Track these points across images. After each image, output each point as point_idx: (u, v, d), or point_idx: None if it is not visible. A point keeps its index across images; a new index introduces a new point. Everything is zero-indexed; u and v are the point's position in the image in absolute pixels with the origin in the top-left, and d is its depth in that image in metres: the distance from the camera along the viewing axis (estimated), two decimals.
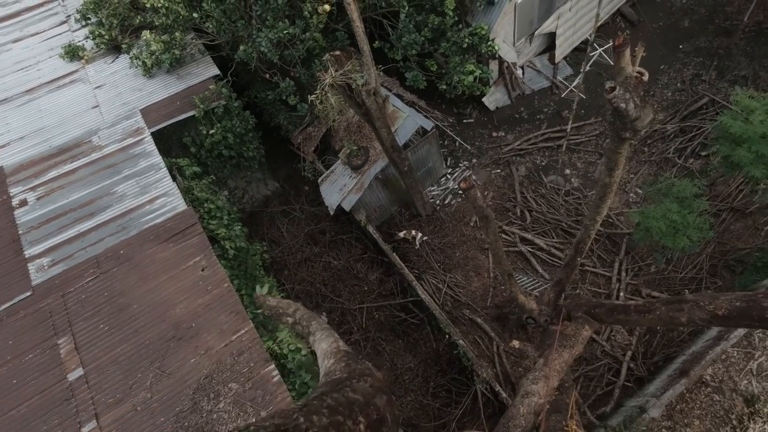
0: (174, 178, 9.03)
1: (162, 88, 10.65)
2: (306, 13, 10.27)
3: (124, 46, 11.16)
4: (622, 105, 2.90)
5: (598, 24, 9.96)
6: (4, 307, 7.50)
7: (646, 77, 3.00)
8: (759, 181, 8.65)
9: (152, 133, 9.75)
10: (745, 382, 7.90)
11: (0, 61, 11.41)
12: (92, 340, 7.05)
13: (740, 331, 8.19)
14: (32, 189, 9.03)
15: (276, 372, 6.55)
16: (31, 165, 9.43)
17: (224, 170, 11.65)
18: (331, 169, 11.44)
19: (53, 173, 9.25)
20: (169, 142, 10.75)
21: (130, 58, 10.87)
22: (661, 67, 13.20)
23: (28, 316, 7.38)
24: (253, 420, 6.15)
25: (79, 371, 6.77)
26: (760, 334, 8.23)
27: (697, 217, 8.58)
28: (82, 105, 10.43)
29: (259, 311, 3.09)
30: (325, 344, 2.27)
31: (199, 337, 6.93)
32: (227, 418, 6.28)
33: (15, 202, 8.85)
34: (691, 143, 11.68)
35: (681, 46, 13.44)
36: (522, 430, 3.48)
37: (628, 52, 2.96)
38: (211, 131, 10.55)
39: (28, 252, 8.14)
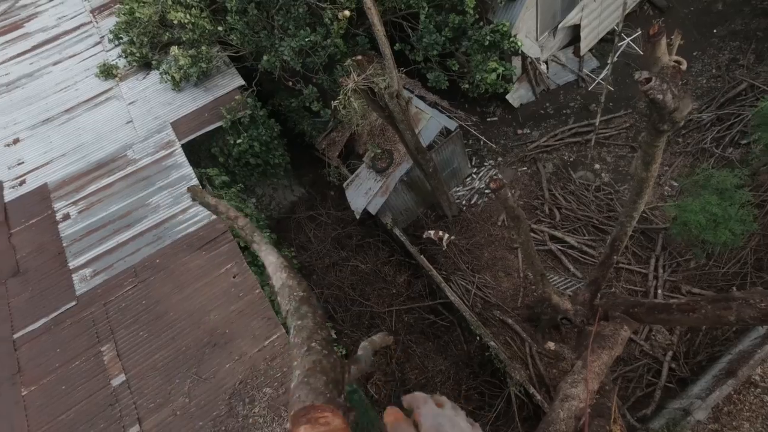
0: (204, 188, 9.29)
1: (190, 101, 10.99)
2: (326, 19, 10.40)
3: (154, 62, 11.58)
4: (659, 96, 2.79)
5: (626, 12, 9.65)
6: (51, 316, 7.89)
7: (684, 66, 2.87)
8: None
9: (182, 145, 10.06)
10: None
11: (42, 83, 12.04)
12: (133, 347, 7.32)
13: None
14: (74, 203, 9.48)
15: None
16: (72, 180, 9.90)
17: (251, 178, 11.90)
18: (356, 173, 11.50)
19: (92, 187, 9.67)
20: (198, 152, 11.07)
21: (160, 73, 11.26)
22: (695, 54, 12.67)
23: (74, 324, 7.73)
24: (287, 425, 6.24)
25: (122, 377, 7.04)
26: None
27: (739, 208, 8.19)
28: (117, 121, 10.87)
29: (194, 201, 3.26)
30: (273, 257, 2.55)
31: (233, 343, 7.09)
32: (262, 422, 6.39)
33: (59, 216, 9.30)
34: (730, 132, 11.15)
35: (715, 31, 12.87)
36: None
37: (664, 41, 2.84)
38: (238, 140, 10.80)
39: (72, 263, 8.53)
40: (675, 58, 2.92)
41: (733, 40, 12.47)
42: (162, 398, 6.77)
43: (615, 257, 4.72)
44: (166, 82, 11.23)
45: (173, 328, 7.39)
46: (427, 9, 10.61)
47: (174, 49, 10.83)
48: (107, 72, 11.69)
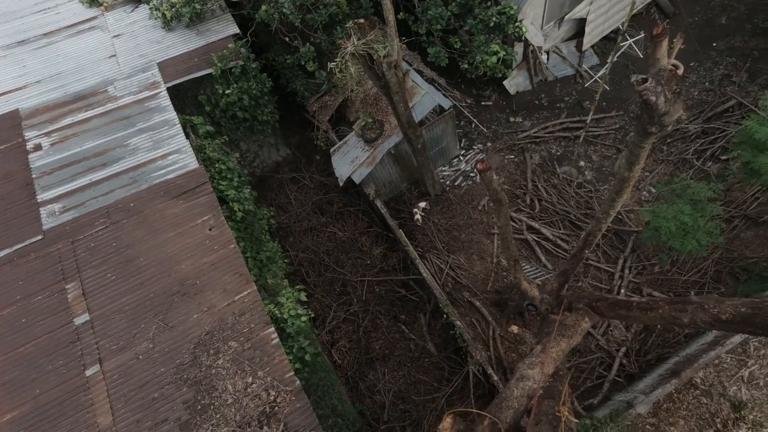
0: (187, 136, 9.02)
1: (180, 43, 10.51)
2: None
3: None
4: (652, 98, 2.83)
5: (633, 13, 9.61)
6: (15, 248, 7.65)
7: (680, 71, 2.90)
8: None
9: (168, 88, 9.68)
10: (735, 388, 7.98)
11: (19, 1, 11.26)
12: (99, 288, 7.21)
13: (737, 338, 8.22)
14: (47, 134, 9.06)
15: (275, 335, 6.70)
16: (47, 110, 9.43)
17: (237, 132, 11.60)
18: (344, 140, 11.35)
19: (68, 120, 9.26)
20: (184, 98, 10.68)
21: (150, 8, 10.68)
22: (691, 64, 12.79)
23: (39, 259, 7.53)
24: (250, 379, 6.34)
25: (86, 316, 6.96)
26: (756, 343, 8.26)
27: (708, 221, 8.49)
28: (100, 53, 10.32)
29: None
30: None
31: (202, 295, 7.06)
32: (225, 374, 6.47)
33: (30, 146, 8.90)
34: (712, 146, 11.44)
35: (715, 44, 12.99)
36: (514, 411, 3.57)
37: (665, 43, 2.86)
38: (227, 91, 10.45)
39: (41, 197, 8.23)
40: (673, 62, 2.95)
41: (730, 56, 12.63)
42: (125, 341, 6.74)
43: (586, 251, 4.86)
44: (155, 18, 10.68)
45: (143, 274, 7.29)
46: None
47: None
48: None
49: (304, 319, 7.37)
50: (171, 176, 8.32)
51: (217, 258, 7.39)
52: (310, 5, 10.19)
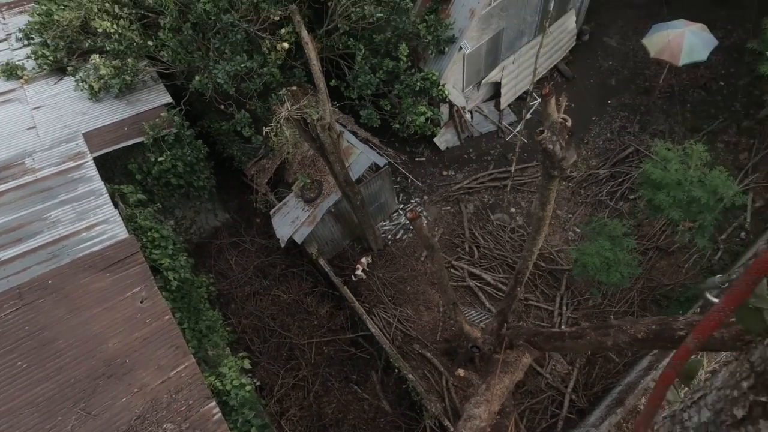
0: (116, 205, 8.63)
1: (109, 113, 10.32)
2: (264, 49, 10.52)
3: (69, 68, 10.79)
4: (550, 146, 3.25)
5: (537, 78, 10.97)
6: None
7: (569, 123, 3.38)
8: (678, 223, 9.60)
9: (95, 158, 9.34)
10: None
11: None
12: (6, 380, 6.37)
13: (666, 361, 8.78)
14: None
15: (217, 409, 6.20)
16: None
17: (172, 199, 11.27)
18: (284, 201, 11.39)
19: None
20: (112, 168, 10.32)
21: (76, 80, 10.51)
22: (593, 119, 14.55)
23: None
24: None
25: None
26: None
27: (627, 254, 9.31)
28: (17, 125, 9.85)
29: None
30: None
31: (133, 374, 6.45)
32: None
33: None
34: (621, 187, 12.80)
35: (609, 101, 14.95)
36: None
37: (553, 101, 3.35)
38: (160, 158, 10.26)
39: None
40: (562, 115, 3.44)
41: (623, 111, 14.56)
42: None
43: (519, 289, 5.14)
44: (82, 90, 10.49)
45: (61, 358, 6.56)
46: (363, 51, 11.18)
47: (95, 57, 10.23)
48: (11, 72, 10.68)
49: (248, 388, 6.91)
50: (97, 248, 7.82)
51: (150, 332, 6.87)
52: (244, 75, 10.57)
